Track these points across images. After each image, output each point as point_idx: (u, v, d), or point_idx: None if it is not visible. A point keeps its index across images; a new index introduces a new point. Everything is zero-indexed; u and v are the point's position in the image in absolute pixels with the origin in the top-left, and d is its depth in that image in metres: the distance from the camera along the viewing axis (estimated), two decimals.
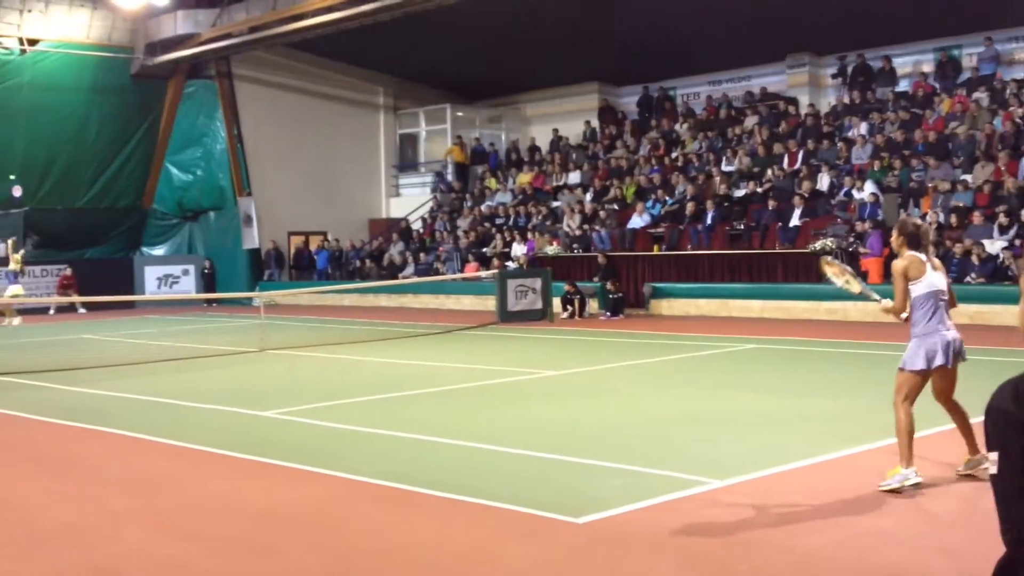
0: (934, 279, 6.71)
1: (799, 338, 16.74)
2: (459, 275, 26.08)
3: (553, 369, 13.56)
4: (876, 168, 22.62)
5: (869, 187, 21.68)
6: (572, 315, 21.99)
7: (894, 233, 6.98)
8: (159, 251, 32.76)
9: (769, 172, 24.37)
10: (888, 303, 6.85)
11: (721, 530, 5.90)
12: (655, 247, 23.92)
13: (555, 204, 28.17)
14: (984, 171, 21.18)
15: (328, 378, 13.64)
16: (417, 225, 32.32)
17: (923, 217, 20.41)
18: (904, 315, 6.80)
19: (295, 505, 6.79)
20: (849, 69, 26.83)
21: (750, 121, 27.34)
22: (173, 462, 8.37)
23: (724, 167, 25.78)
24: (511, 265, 25.04)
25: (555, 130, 31.88)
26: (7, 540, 6.14)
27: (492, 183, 31.67)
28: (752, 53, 28.03)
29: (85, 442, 9.46)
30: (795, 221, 21.96)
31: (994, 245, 19.08)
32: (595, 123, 31.65)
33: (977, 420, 6.79)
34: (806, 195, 22.45)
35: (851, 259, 19.67)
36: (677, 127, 29.13)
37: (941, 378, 6.79)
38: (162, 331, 22.06)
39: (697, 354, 15.13)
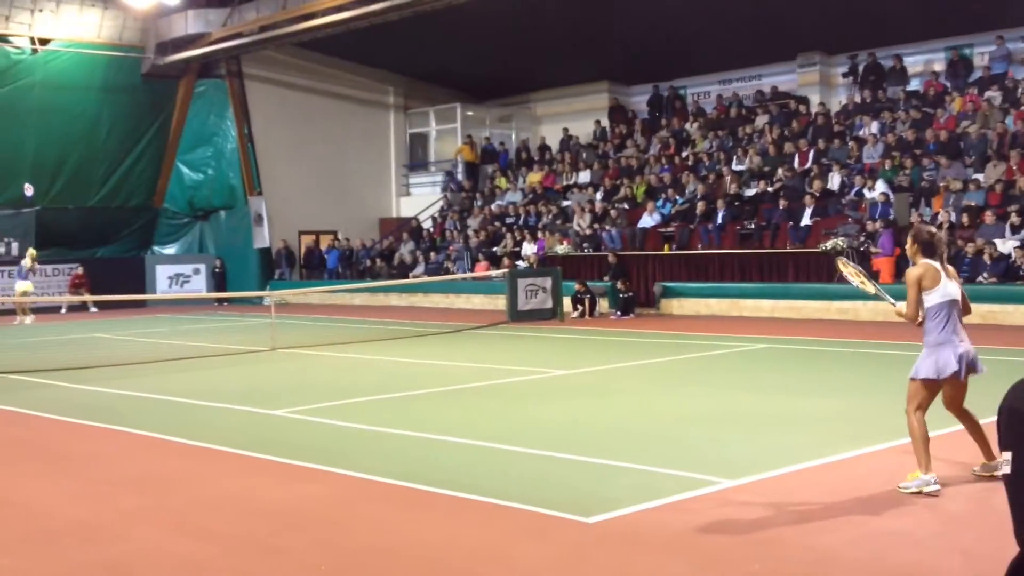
0: (949, 288, 6.66)
1: (810, 338, 16.70)
2: (469, 274, 26.08)
3: (563, 368, 13.55)
4: (887, 167, 22.55)
5: (880, 186, 21.61)
6: (582, 314, 21.98)
7: (908, 240, 6.93)
8: (170, 250, 32.84)
9: (780, 171, 24.32)
10: (902, 307, 6.82)
11: (732, 530, 5.88)
12: (665, 246, 23.89)
13: (565, 203, 28.15)
14: (996, 170, 21.10)
15: (338, 377, 13.65)
16: (427, 224, 32.35)
17: (935, 216, 20.35)
18: (917, 322, 6.76)
19: (305, 503, 6.79)
20: (860, 68, 26.75)
21: (761, 120, 27.29)
22: (184, 460, 8.39)
23: (735, 166, 25.73)
24: (521, 264, 25.03)
25: (565, 129, 31.86)
26: (20, 538, 6.16)
27: (502, 182, 31.66)
28: (763, 52, 27.96)
29: (97, 440, 9.49)
30: (806, 220, 21.91)
31: (1006, 244, 19.01)
32: (605, 122, 31.61)
33: (988, 421, 6.77)
34: (817, 194, 22.40)
35: (862, 259, 19.62)
36: (687, 126, 29.09)
37: (952, 388, 6.75)
38: (173, 330, 22.12)
39: (708, 354, 15.11)
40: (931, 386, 6.69)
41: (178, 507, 6.83)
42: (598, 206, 26.53)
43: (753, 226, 22.86)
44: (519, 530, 6.07)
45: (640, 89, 32.18)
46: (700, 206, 24.01)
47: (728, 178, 24.92)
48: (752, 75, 29.55)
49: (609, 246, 24.29)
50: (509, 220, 28.76)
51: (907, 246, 6.97)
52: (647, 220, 24.81)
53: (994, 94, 23.45)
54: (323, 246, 32.23)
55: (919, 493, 6.50)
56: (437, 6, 24.87)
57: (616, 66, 31.17)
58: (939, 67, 25.81)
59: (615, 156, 29.45)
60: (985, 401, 6.86)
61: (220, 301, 29.92)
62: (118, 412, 10.81)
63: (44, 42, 28.96)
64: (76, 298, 27.40)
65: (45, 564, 5.66)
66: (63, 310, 28.42)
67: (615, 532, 5.90)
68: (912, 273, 6.73)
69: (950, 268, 6.84)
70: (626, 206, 26.15)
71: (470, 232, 29.01)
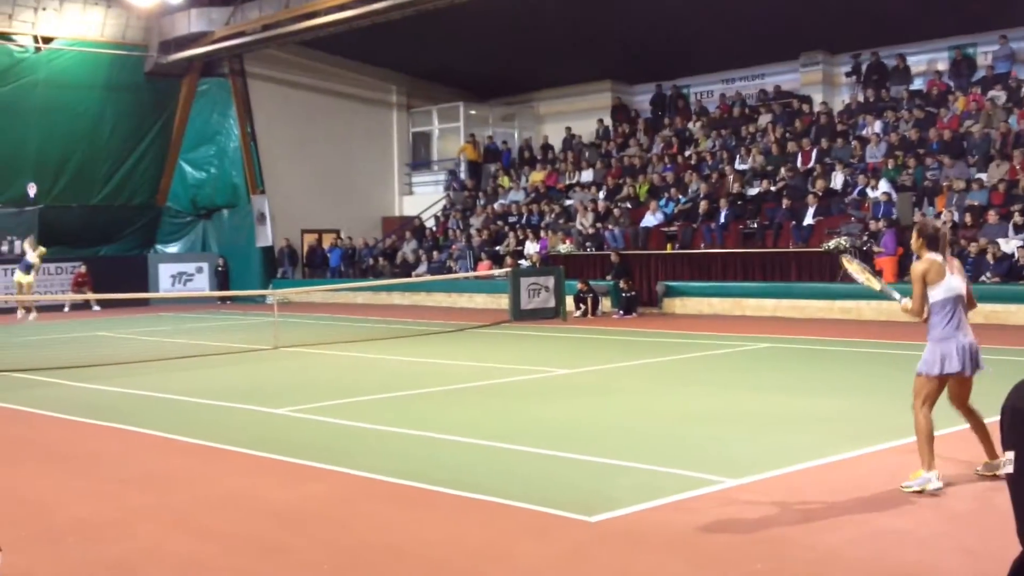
0: (953, 283, 6.68)
1: (813, 337, 16.70)
2: (472, 273, 26.08)
3: (566, 368, 13.55)
4: (890, 167, 22.54)
5: (883, 186, 21.60)
6: (585, 313, 21.99)
7: (914, 235, 6.94)
8: (173, 249, 32.86)
9: (783, 170, 24.31)
10: (907, 303, 6.82)
11: (734, 529, 5.88)
12: (668, 245, 23.88)
13: (568, 202, 28.15)
14: (999, 170, 21.08)
15: (341, 376, 13.66)
16: (430, 223, 32.35)
17: (938, 216, 20.33)
18: (922, 317, 6.77)
19: (308, 502, 6.80)
20: (863, 67, 26.73)
21: (764, 119, 27.28)
22: (187, 459, 8.40)
23: (737, 165, 25.72)
24: (524, 263, 25.03)
25: (568, 128, 31.85)
26: (24, 536, 6.17)
27: (505, 181, 31.67)
28: (766, 51, 27.95)
29: (100, 439, 9.51)
30: (809, 220, 21.90)
31: (1009, 244, 18.99)
32: (608, 121, 31.61)
33: (992, 420, 6.77)
34: (820, 194, 22.39)
35: (865, 258, 19.60)
36: (690, 125, 29.08)
37: (957, 384, 6.77)
38: (176, 328, 22.14)
39: (710, 353, 15.11)
40: (937, 381, 6.70)
41: (181, 506, 6.84)
42: (601, 205, 26.53)
43: (756, 225, 22.86)
44: (521, 529, 6.08)
45: (643, 88, 32.17)
46: (703, 205, 24.00)
47: (731, 177, 24.91)
48: (755, 74, 29.54)
49: (612, 245, 24.29)
50: (512, 219, 28.76)
51: (912, 240, 6.97)
52: (650, 219, 24.81)
53: (997, 93, 23.43)
54: (326, 245, 32.24)
55: (921, 492, 6.51)
56: (440, 5, 24.86)
57: (619, 65, 31.15)
58: (942, 66, 25.79)
59: (618, 155, 29.45)
60: (988, 400, 6.86)
61: (223, 300, 29.93)
62: (121, 411, 10.83)
63: (47, 40, 28.97)
64: (79, 297, 27.42)
65: (49, 562, 5.67)
66: (66, 309, 28.44)
67: (617, 531, 5.91)
68: (917, 268, 6.74)
69: (955, 262, 6.85)
70: (629, 205, 26.14)
71: (473, 231, 29.01)
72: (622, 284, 22.07)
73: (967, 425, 7.05)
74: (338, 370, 14.33)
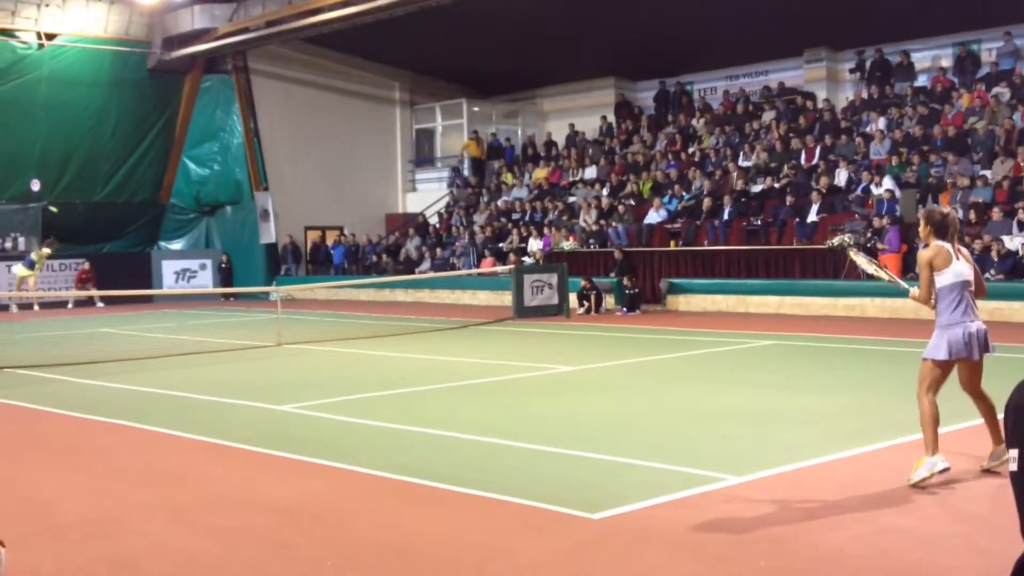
0: (960, 269, 6.69)
1: (817, 334, 16.68)
2: (475, 270, 26.08)
3: (569, 365, 13.55)
4: (894, 163, 22.51)
5: (887, 183, 21.57)
6: (588, 311, 21.98)
7: (921, 222, 6.97)
8: (176, 245, 32.90)
9: (786, 167, 24.28)
10: (915, 291, 6.86)
11: (738, 526, 5.87)
12: (672, 243, 23.87)
13: (571, 199, 28.14)
14: (1003, 167, 21.04)
15: (344, 373, 13.67)
16: (433, 220, 32.36)
17: None
18: (931, 304, 6.79)
19: (311, 499, 6.80)
20: (867, 64, 26.70)
21: (767, 116, 27.26)
22: (190, 455, 8.41)
23: (741, 162, 25.70)
24: (527, 260, 25.03)
25: (571, 125, 31.83)
26: (27, 532, 6.17)
27: (508, 178, 31.66)
28: (769, 48, 27.93)
29: (103, 435, 9.52)
30: (812, 217, 21.88)
31: (1013, 241, 18.96)
32: (611, 118, 31.58)
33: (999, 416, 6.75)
34: (824, 191, 22.36)
35: (869, 255, 19.56)
36: (694, 122, 29.05)
37: (967, 368, 6.79)
38: (180, 325, 22.15)
39: (714, 350, 15.10)
40: (942, 367, 6.71)
41: (184, 502, 6.84)
42: (604, 202, 26.51)
43: (760, 222, 22.83)
44: (524, 526, 6.07)
45: (646, 85, 32.15)
46: (706, 202, 23.98)
47: (734, 174, 24.89)
48: (759, 71, 29.52)
49: (615, 242, 24.28)
50: (515, 216, 28.75)
51: (920, 228, 6.99)
52: (653, 216, 24.79)
53: (1002, 90, 23.39)
54: (329, 242, 32.25)
55: (924, 485, 6.50)
56: (443, 1, 24.86)
57: (623, 61, 31.13)
58: (946, 63, 25.76)
59: (621, 152, 29.43)
60: (993, 398, 6.86)
61: (226, 296, 29.97)
62: (124, 407, 10.83)
63: (50, 37, 29.00)
64: (83, 293, 27.47)
65: (52, 558, 5.67)
66: (70, 305, 28.48)
67: (621, 528, 5.90)
68: (924, 255, 6.76)
69: (963, 250, 6.86)
70: (632, 202, 26.13)
71: (476, 228, 29.00)
72: (625, 281, 22.06)
73: (974, 422, 7.04)
74: (341, 367, 14.33)
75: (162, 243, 32.82)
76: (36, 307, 25.03)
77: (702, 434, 8.70)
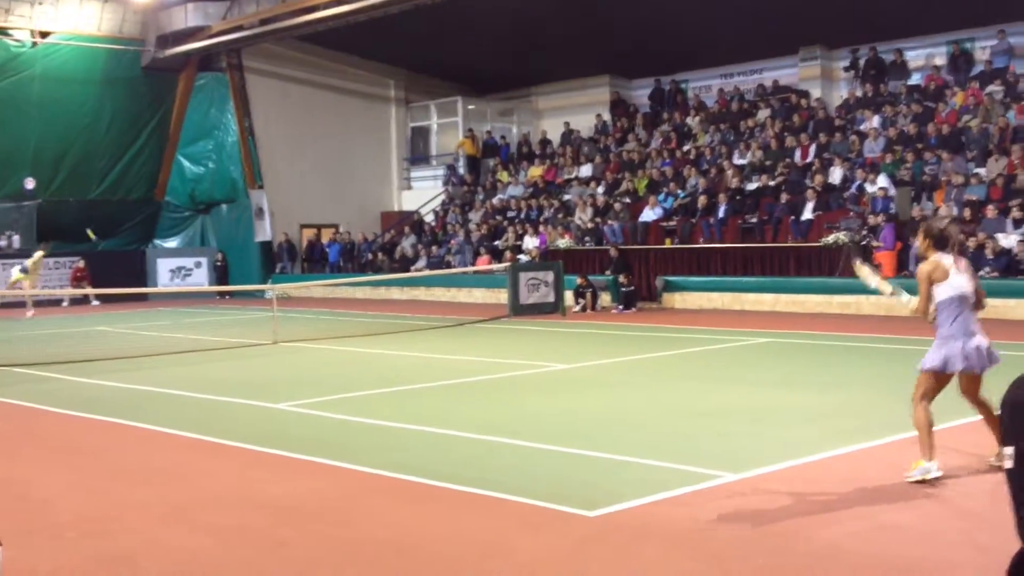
0: (959, 282, 6.65)
1: (812, 332, 16.70)
2: (471, 268, 26.08)
3: (565, 363, 13.56)
4: (889, 161, 22.55)
5: (882, 180, 21.61)
6: (584, 308, 21.99)
7: (919, 236, 6.94)
8: (171, 243, 32.86)
9: (781, 165, 24.31)
10: (915, 304, 6.84)
11: (736, 523, 5.88)
12: (667, 240, 23.90)
13: (567, 197, 28.14)
14: (997, 164, 21.09)
15: (340, 371, 13.66)
16: (429, 218, 32.34)
17: (936, 211, 20.34)
18: (930, 318, 6.78)
19: (308, 497, 6.80)
20: (861, 62, 26.73)
21: (762, 114, 27.28)
22: (186, 454, 8.40)
23: (736, 160, 25.72)
24: (523, 258, 25.03)
25: (566, 123, 31.84)
26: (24, 530, 6.17)
27: (503, 176, 31.66)
28: (764, 46, 27.95)
29: (99, 434, 9.51)
30: (807, 215, 21.91)
31: (1008, 239, 19.01)
32: (607, 116, 31.59)
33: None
34: (818, 188, 22.39)
35: (864, 253, 19.63)
36: (689, 120, 29.07)
37: (967, 380, 6.79)
38: (175, 323, 22.13)
39: (709, 348, 15.12)
40: (939, 378, 6.71)
41: (180, 500, 6.84)
42: (599, 200, 26.52)
43: (755, 220, 22.87)
44: (521, 524, 6.07)
45: (641, 83, 32.15)
46: (702, 200, 24.01)
47: (729, 172, 24.91)
48: (753, 69, 29.54)
49: (611, 240, 24.29)
50: (511, 214, 28.76)
51: (918, 242, 6.97)
52: (649, 214, 24.81)
53: (995, 88, 23.43)
54: (324, 240, 32.24)
55: (922, 481, 6.52)
56: (437, 0, 24.85)
57: (617, 60, 31.13)
58: (940, 61, 25.79)
59: (616, 150, 29.44)
60: (988, 395, 6.87)
61: (222, 294, 29.94)
62: (120, 405, 10.82)
63: (44, 35, 28.95)
64: (78, 291, 27.44)
65: (49, 557, 5.67)
66: (65, 303, 28.45)
67: (617, 526, 5.91)
68: (923, 269, 6.74)
69: (963, 262, 6.81)
70: (628, 200, 26.14)
71: (472, 226, 29.01)
72: (621, 279, 22.07)
73: (971, 418, 7.06)
74: (337, 365, 14.33)
75: (157, 241, 32.78)
76: (30, 313, 24.97)
77: (699, 431, 8.71)
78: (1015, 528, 2.39)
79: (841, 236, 20.10)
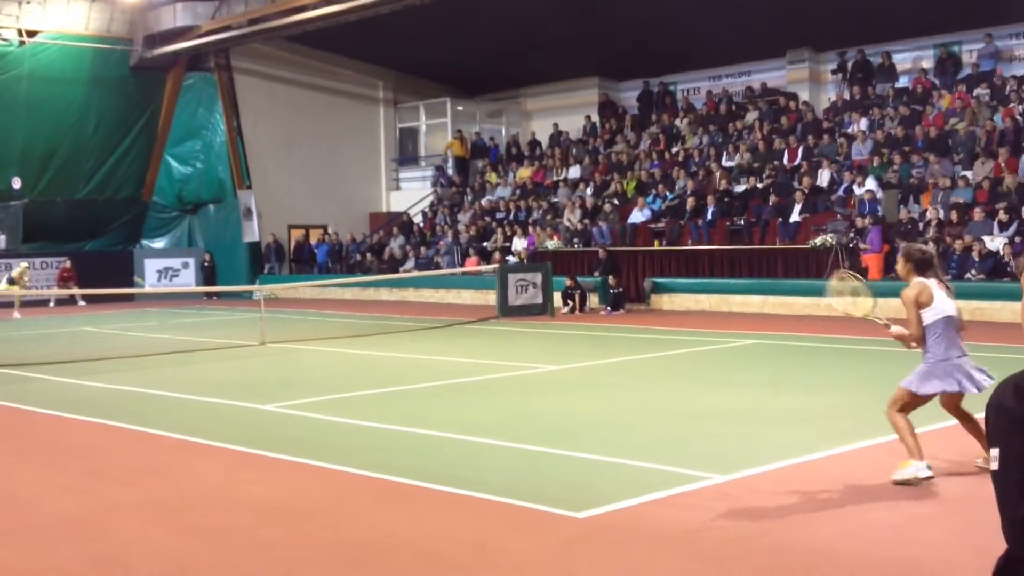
0: (944, 306, 6.68)
1: (800, 334, 16.74)
2: (459, 269, 26.06)
3: (553, 364, 13.55)
4: (876, 164, 22.62)
5: (869, 183, 21.67)
6: (573, 310, 21.99)
7: (900, 260, 6.96)
8: (159, 244, 32.74)
9: (769, 168, 24.36)
10: (899, 330, 6.80)
11: (725, 524, 5.88)
12: (656, 242, 23.92)
13: (555, 199, 28.15)
14: (984, 167, 21.17)
15: (328, 372, 13.63)
16: (417, 219, 32.31)
17: (923, 213, 20.43)
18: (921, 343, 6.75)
19: (295, 498, 6.78)
20: (849, 65, 26.81)
21: (750, 116, 27.34)
22: (173, 455, 8.36)
23: (724, 162, 25.77)
24: (512, 259, 25.02)
25: (555, 124, 31.84)
26: (9, 531, 6.13)
27: (492, 177, 31.65)
28: (752, 48, 28.02)
29: (85, 434, 9.46)
30: (795, 217, 21.96)
31: (994, 241, 19.08)
32: (595, 118, 31.62)
33: (979, 416, 6.74)
34: (806, 191, 22.44)
35: (851, 255, 19.70)
36: (677, 122, 29.11)
37: (948, 395, 6.81)
38: (162, 324, 22.05)
39: (698, 349, 15.14)
40: (918, 399, 6.74)
41: (167, 501, 6.81)
42: (588, 201, 26.54)
43: (743, 222, 22.91)
44: (510, 525, 6.07)
45: (630, 85, 32.19)
46: (690, 202, 24.04)
47: (718, 174, 24.96)
48: (742, 71, 29.62)
49: (599, 241, 24.31)
50: (499, 215, 28.75)
51: (899, 266, 6.99)
52: (637, 216, 24.84)
53: (982, 91, 23.53)
54: (313, 240, 32.17)
55: (911, 481, 6.53)
56: (427, 0, 24.82)
57: (606, 61, 31.17)
58: (927, 64, 25.88)
59: (605, 152, 29.47)
60: (975, 397, 6.89)
61: (209, 295, 29.84)
62: (106, 406, 10.78)
63: (32, 34, 28.83)
64: (64, 292, 27.30)
65: (33, 558, 5.63)
66: (51, 304, 28.31)
67: (606, 527, 5.91)
68: (908, 293, 6.73)
69: (945, 284, 6.84)
70: (616, 201, 26.16)
71: (460, 227, 28.98)
72: (610, 280, 22.09)
73: (955, 421, 7.08)
74: (325, 366, 14.29)
75: (144, 241, 32.65)
76: (16, 314, 24.87)
77: (688, 433, 8.72)
78: (1001, 529, 2.40)
79: (828, 239, 20.16)
